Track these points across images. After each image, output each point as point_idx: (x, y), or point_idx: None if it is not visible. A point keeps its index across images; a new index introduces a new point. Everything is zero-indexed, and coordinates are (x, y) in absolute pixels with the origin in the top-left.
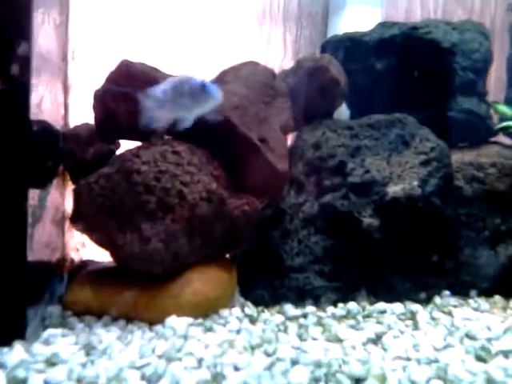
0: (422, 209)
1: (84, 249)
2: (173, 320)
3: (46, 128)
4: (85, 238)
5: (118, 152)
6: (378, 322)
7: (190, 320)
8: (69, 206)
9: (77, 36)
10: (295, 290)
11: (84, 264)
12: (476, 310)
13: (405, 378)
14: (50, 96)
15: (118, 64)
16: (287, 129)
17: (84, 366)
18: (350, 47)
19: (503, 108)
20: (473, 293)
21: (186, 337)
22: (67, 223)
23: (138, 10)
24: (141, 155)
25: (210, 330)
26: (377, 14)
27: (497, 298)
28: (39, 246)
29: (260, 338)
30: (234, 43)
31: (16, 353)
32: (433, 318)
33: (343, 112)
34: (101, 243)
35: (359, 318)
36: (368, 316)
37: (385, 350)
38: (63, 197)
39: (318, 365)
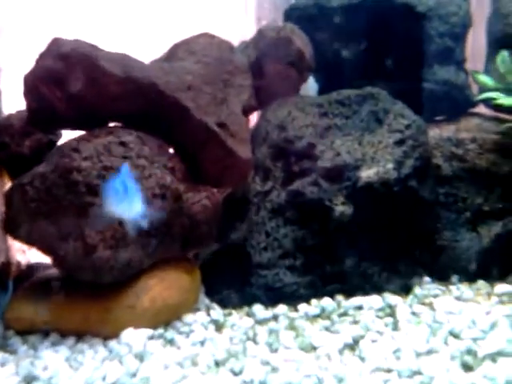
0: (398, 193)
1: (31, 251)
2: (129, 334)
3: None
4: None
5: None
6: (355, 322)
7: (150, 332)
8: None
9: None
10: (264, 288)
11: (31, 268)
12: (459, 299)
13: None
14: None
15: (49, 43)
16: (250, 109)
17: None
18: (316, 14)
19: (484, 78)
20: (454, 278)
21: (142, 356)
22: None
23: None
24: (81, 149)
25: (171, 343)
26: None
27: (480, 283)
28: None
29: (226, 352)
30: (188, 8)
31: None
32: (414, 313)
33: (311, 86)
34: (42, 252)
35: (334, 317)
36: (344, 314)
37: (362, 359)
38: (2, 195)
39: None
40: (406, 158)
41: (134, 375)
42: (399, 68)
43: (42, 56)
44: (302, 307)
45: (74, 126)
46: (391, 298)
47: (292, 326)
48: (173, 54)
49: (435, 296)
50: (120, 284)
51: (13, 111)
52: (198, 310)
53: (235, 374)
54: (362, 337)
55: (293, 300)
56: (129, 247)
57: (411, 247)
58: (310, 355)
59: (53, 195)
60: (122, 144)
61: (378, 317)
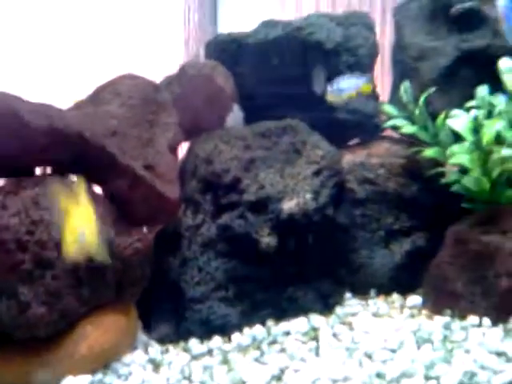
0: (317, 222)
1: None
2: (69, 382)
3: None
4: None
5: None
6: (282, 350)
7: (89, 378)
8: None
9: None
10: (199, 322)
11: None
12: (375, 315)
13: None
14: None
15: None
16: (176, 144)
17: None
18: (235, 49)
19: (389, 108)
20: (372, 292)
21: None
22: None
23: None
24: (8, 205)
25: None
26: None
27: (394, 296)
28: None
29: None
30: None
31: None
32: (334, 335)
33: (237, 115)
34: None
35: (264, 346)
36: (273, 342)
37: None
38: None
39: None
40: (322, 187)
41: None
42: (313, 99)
43: None
44: (236, 337)
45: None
46: (316, 320)
47: (225, 360)
48: (98, 96)
49: (354, 314)
50: (56, 334)
51: None
52: (136, 348)
53: None
54: (287, 367)
55: (227, 330)
56: (63, 299)
57: (332, 268)
58: None
59: None
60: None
61: (302, 342)
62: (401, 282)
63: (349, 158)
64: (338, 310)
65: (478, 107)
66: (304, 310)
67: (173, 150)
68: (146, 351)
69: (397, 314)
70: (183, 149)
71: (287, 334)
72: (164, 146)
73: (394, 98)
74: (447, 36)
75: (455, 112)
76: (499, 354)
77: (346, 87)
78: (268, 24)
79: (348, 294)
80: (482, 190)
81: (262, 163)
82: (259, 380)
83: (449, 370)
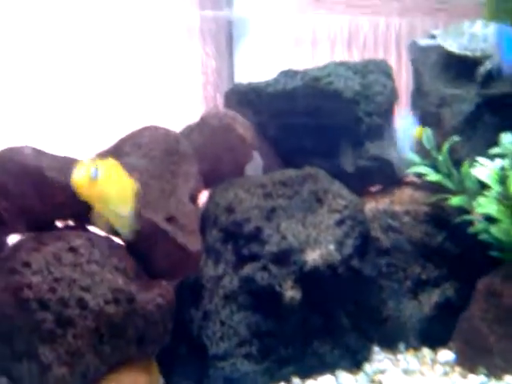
0: (341, 274)
1: None
2: None
3: None
4: None
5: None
6: None
7: None
8: None
9: None
10: (223, 380)
11: None
12: (406, 372)
13: None
14: None
15: None
16: (197, 194)
17: None
18: (254, 99)
19: (412, 155)
20: (401, 346)
21: None
22: None
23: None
24: (31, 262)
25: None
26: (284, 39)
27: (425, 350)
28: None
29: None
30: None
31: None
32: None
33: (256, 163)
34: None
35: None
36: None
37: None
38: None
39: None
40: (346, 238)
41: None
42: (336, 147)
43: None
44: None
45: (21, 231)
46: (344, 378)
47: None
48: (119, 148)
49: (383, 371)
50: None
51: None
52: None
53: None
54: None
55: None
56: (84, 359)
57: (359, 321)
58: None
59: (5, 315)
60: (72, 250)
61: None
62: (431, 335)
63: (371, 206)
64: (367, 366)
65: (502, 155)
66: (330, 367)
67: (194, 199)
68: None
69: (428, 371)
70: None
71: None
72: (186, 197)
73: (416, 144)
74: (468, 83)
75: (480, 160)
76: None
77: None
78: (287, 74)
79: (376, 348)
80: None
81: (284, 212)
82: None
83: None
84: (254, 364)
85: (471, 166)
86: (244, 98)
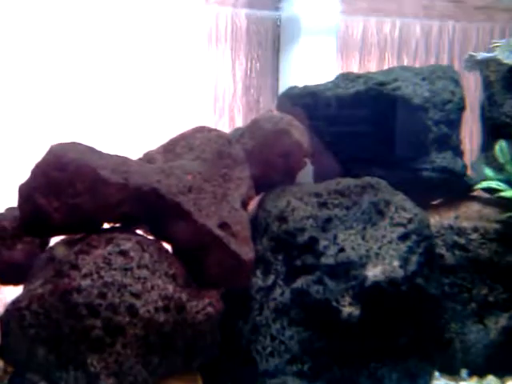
0: (405, 292)
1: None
2: None
3: None
4: None
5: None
6: None
7: None
8: None
9: None
10: None
11: None
12: None
13: None
14: None
15: (46, 152)
16: (249, 200)
17: None
18: (311, 103)
19: (488, 172)
20: (464, 373)
21: None
22: None
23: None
24: (80, 265)
25: None
26: (332, 44)
27: (490, 378)
28: None
29: None
30: (177, 76)
31: None
32: None
33: (308, 169)
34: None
35: None
36: None
37: None
38: None
39: None
40: (411, 254)
41: None
42: (399, 156)
43: (39, 166)
44: None
45: (69, 232)
46: None
47: None
48: (171, 149)
49: None
50: None
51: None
52: None
53: None
54: None
55: None
56: (132, 370)
57: (420, 343)
58: None
59: (52, 319)
60: (122, 253)
61: None
62: (497, 362)
63: (436, 220)
64: None
65: None
66: None
67: (245, 205)
68: None
69: None
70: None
71: None
72: (238, 202)
73: (486, 157)
74: None
75: None
76: None
77: None
78: (347, 77)
79: (436, 373)
80: None
81: (341, 223)
82: None
83: None
84: (306, 383)
85: None
86: (299, 101)
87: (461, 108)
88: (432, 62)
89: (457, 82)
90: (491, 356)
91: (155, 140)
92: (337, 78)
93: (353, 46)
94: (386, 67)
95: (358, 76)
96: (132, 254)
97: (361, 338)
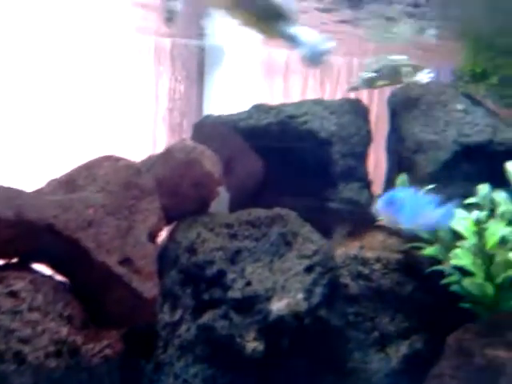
0: (308, 324)
1: None
2: None
3: None
4: None
5: None
6: None
7: None
8: None
9: None
10: None
11: None
12: None
13: None
14: None
15: None
16: (157, 232)
17: None
18: (225, 132)
19: None
20: None
21: None
22: None
23: None
24: None
25: None
26: (256, 68)
27: None
28: None
29: None
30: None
31: None
32: None
33: (221, 199)
34: None
35: None
36: None
37: None
38: None
39: None
40: (315, 285)
41: None
42: (306, 187)
43: None
44: None
45: None
46: None
47: None
48: (73, 180)
49: None
50: None
51: None
52: None
53: None
54: None
55: None
56: None
57: (322, 373)
58: None
59: None
60: (12, 294)
61: None
62: None
63: (341, 250)
64: None
65: (478, 204)
66: None
67: (153, 237)
68: None
69: None
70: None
71: None
72: (144, 235)
73: (390, 190)
74: (446, 128)
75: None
76: None
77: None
78: (260, 108)
79: None
80: (485, 295)
81: (250, 255)
82: None
83: None
84: None
85: None
86: (214, 130)
87: (366, 142)
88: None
89: (364, 117)
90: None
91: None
92: (251, 108)
93: (277, 71)
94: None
95: (271, 107)
96: (23, 295)
97: (265, 372)
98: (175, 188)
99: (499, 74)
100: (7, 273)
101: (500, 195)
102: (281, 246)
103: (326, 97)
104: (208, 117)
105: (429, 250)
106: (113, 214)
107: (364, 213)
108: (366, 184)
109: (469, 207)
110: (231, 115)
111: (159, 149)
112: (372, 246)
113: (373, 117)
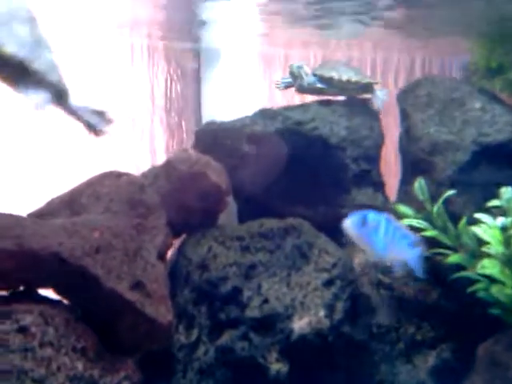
0: (332, 342)
1: None
2: None
3: None
4: None
5: None
6: None
7: None
8: None
9: None
10: None
11: None
12: None
13: None
14: None
15: None
16: (166, 250)
17: None
18: (229, 140)
19: (404, 209)
20: None
21: None
22: None
23: None
24: None
25: None
26: (254, 64)
27: None
28: None
29: None
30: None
31: None
32: None
33: (229, 210)
34: None
35: None
36: None
37: None
38: None
39: None
40: (336, 301)
41: None
42: (318, 194)
43: None
44: None
45: None
46: None
47: None
48: (75, 199)
49: None
50: None
51: None
52: None
53: None
54: None
55: None
56: None
57: None
58: None
59: None
60: (22, 330)
61: None
62: None
63: (359, 258)
64: None
65: (500, 207)
66: None
67: (162, 256)
68: None
69: None
70: None
71: None
72: (153, 255)
73: (405, 192)
74: (463, 127)
75: (479, 216)
76: None
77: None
78: (265, 114)
79: None
80: None
81: (265, 270)
82: None
83: None
84: None
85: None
86: (216, 138)
87: (379, 144)
88: None
89: (375, 117)
90: None
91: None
92: (255, 114)
93: (276, 66)
94: None
95: (276, 114)
96: (33, 329)
97: None
98: (181, 201)
99: None
100: (14, 306)
101: None
102: (296, 258)
103: None
104: (210, 123)
105: (453, 258)
106: (120, 235)
107: None
108: (380, 188)
109: (489, 211)
110: (235, 121)
111: (158, 151)
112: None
113: None
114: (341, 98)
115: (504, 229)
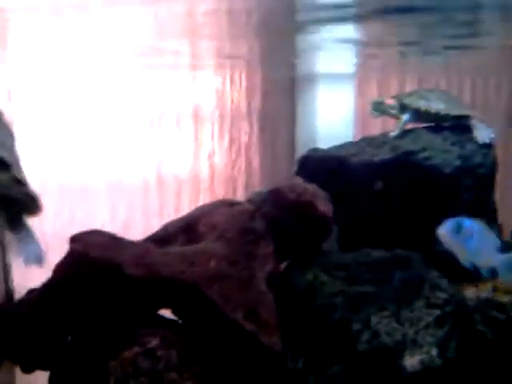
0: (442, 381)
1: None
2: None
3: None
4: None
5: None
6: None
7: None
8: None
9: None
10: None
11: None
12: None
13: None
14: None
15: (69, 251)
16: (274, 278)
17: None
18: (334, 169)
19: None
20: None
21: None
22: None
23: None
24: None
25: None
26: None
27: None
28: None
29: None
30: None
31: None
32: None
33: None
34: None
35: None
36: None
37: None
38: None
39: None
40: (448, 339)
41: None
42: (428, 230)
43: (61, 265)
44: None
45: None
46: None
47: None
48: (191, 227)
49: None
50: None
51: None
52: None
53: None
54: None
55: None
56: None
57: None
58: None
59: None
60: (149, 353)
61: None
62: None
63: (471, 292)
64: None
65: None
66: None
67: (271, 284)
68: None
69: None
70: None
71: None
72: (263, 283)
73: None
74: None
75: None
76: None
77: None
78: (371, 142)
79: None
80: None
81: (373, 302)
82: None
83: None
84: None
85: None
86: (323, 166)
87: (493, 172)
88: None
89: (488, 143)
90: None
91: None
92: (360, 141)
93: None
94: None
95: (382, 142)
96: (159, 352)
97: None
98: (286, 229)
99: None
100: (138, 331)
101: None
102: (406, 292)
103: None
104: (314, 150)
105: None
106: (234, 264)
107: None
108: (494, 217)
109: None
110: (339, 149)
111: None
112: (506, 288)
113: None
114: None
115: None
